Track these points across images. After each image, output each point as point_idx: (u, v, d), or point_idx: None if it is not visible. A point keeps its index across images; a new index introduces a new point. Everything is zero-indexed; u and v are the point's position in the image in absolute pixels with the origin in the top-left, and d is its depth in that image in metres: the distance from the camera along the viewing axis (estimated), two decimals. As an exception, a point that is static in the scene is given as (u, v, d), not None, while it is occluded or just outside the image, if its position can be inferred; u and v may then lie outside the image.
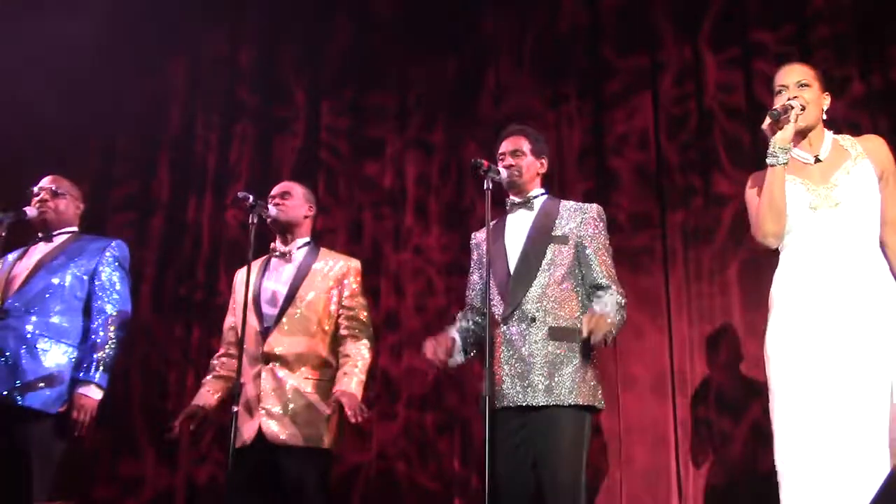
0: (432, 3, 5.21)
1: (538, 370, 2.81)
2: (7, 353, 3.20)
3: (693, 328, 4.24)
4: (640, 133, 4.59)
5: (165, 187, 5.53)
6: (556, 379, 2.79)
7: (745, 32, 4.47)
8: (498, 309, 2.93)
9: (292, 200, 3.42)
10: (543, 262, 2.92)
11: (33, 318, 3.26)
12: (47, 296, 3.30)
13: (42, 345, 3.24)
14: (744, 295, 4.15)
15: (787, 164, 2.62)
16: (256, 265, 3.40)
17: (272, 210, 3.35)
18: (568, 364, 2.82)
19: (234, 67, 5.63)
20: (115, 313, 3.35)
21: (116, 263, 3.44)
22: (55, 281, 3.34)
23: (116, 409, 4.60)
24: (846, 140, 2.73)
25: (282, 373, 3.20)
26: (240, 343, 3.16)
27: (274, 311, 3.28)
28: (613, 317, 2.75)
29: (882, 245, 2.65)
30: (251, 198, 3.18)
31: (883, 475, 2.23)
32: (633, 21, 4.75)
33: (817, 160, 2.70)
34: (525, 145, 3.08)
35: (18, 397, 3.14)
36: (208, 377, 3.40)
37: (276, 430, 3.12)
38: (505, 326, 2.90)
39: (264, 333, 3.25)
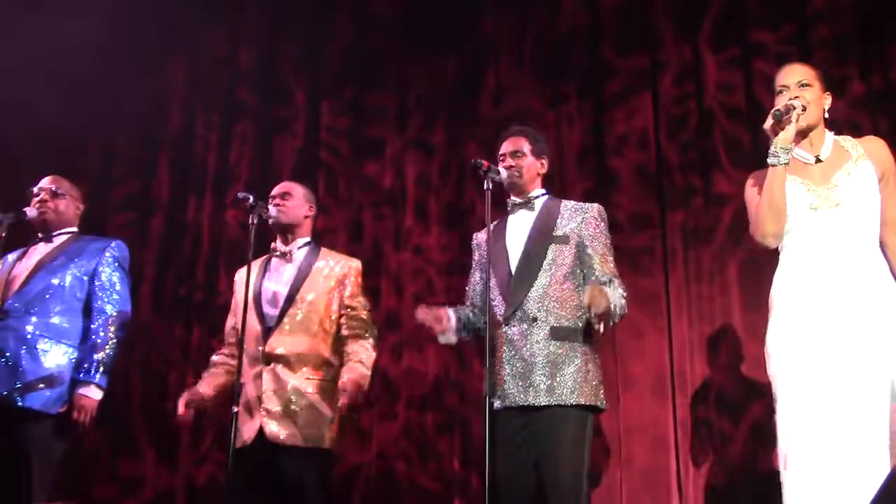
0: (432, 3, 5.21)
1: (540, 370, 2.80)
2: (7, 354, 3.20)
3: (693, 328, 4.24)
4: (640, 133, 4.60)
5: (165, 187, 5.54)
6: (557, 379, 2.79)
7: (745, 32, 4.47)
8: (499, 309, 2.93)
9: (292, 201, 3.42)
10: (545, 263, 2.92)
11: (33, 319, 3.26)
12: (47, 296, 3.30)
13: (42, 345, 3.24)
14: (744, 295, 4.15)
15: (788, 164, 2.62)
16: (256, 265, 3.39)
17: (272, 210, 3.34)
18: (570, 364, 2.82)
19: (234, 67, 5.63)
20: (115, 314, 3.34)
21: (116, 264, 3.44)
22: (55, 281, 3.33)
23: (116, 409, 4.60)
24: (847, 141, 2.73)
25: (283, 373, 3.20)
26: (239, 343, 3.16)
27: (275, 312, 3.28)
28: (615, 299, 2.74)
29: (882, 246, 2.65)
30: (251, 198, 3.18)
31: (883, 475, 2.23)
32: (633, 21, 4.75)
33: (818, 160, 2.70)
34: (525, 146, 3.07)
35: (18, 398, 3.14)
36: (207, 372, 3.39)
37: (277, 429, 3.12)
38: (506, 327, 2.89)
39: (265, 334, 3.25)
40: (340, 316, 3.34)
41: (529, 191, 3.08)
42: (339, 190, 5.19)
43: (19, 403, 3.13)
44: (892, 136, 3.16)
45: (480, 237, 3.16)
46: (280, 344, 3.23)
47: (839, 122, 3.14)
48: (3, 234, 3.26)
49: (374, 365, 3.32)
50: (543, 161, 3.12)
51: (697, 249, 4.33)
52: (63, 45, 5.15)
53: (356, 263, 3.46)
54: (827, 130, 2.75)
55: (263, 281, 3.36)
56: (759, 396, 3.91)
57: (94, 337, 3.28)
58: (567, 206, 3.05)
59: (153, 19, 5.49)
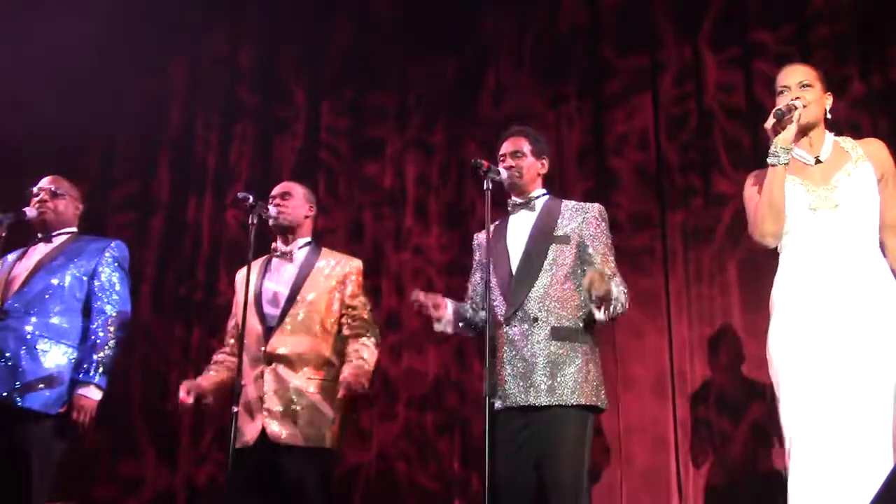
0: (432, 3, 5.21)
1: (540, 370, 2.81)
2: (7, 354, 3.19)
3: (693, 328, 4.24)
4: (640, 133, 4.60)
5: (165, 187, 5.54)
6: (558, 379, 2.79)
7: (745, 32, 4.47)
8: (500, 309, 2.93)
9: (293, 201, 3.42)
10: (545, 263, 2.92)
11: (33, 319, 3.26)
12: (47, 296, 3.30)
13: (42, 345, 3.23)
14: (744, 295, 4.15)
15: (788, 164, 2.62)
16: (257, 265, 3.39)
17: (272, 210, 3.34)
18: (570, 364, 2.82)
19: (234, 67, 5.63)
20: (114, 314, 3.34)
21: (116, 264, 3.44)
22: (55, 282, 3.33)
23: (116, 409, 4.60)
24: (847, 142, 2.73)
25: (285, 373, 3.19)
26: (239, 340, 3.16)
27: (276, 312, 3.28)
28: (616, 292, 2.73)
29: (881, 247, 2.65)
30: (251, 198, 3.18)
31: (885, 474, 2.23)
32: (633, 21, 4.75)
33: (818, 161, 2.70)
34: (525, 146, 3.07)
35: (18, 398, 3.14)
36: (208, 368, 3.39)
37: (278, 429, 3.12)
38: (507, 327, 2.90)
39: (266, 334, 3.25)
40: (342, 316, 3.34)
41: (530, 191, 3.08)
42: (340, 190, 5.19)
43: (19, 404, 3.13)
44: (892, 137, 3.16)
45: (482, 237, 3.16)
46: (281, 344, 3.23)
47: (839, 123, 3.14)
48: (3, 234, 3.25)
49: (376, 364, 3.32)
50: (544, 161, 3.12)
51: (697, 249, 4.33)
52: (63, 45, 5.15)
53: (357, 263, 3.46)
54: (827, 131, 2.75)
55: (264, 281, 3.36)
56: (759, 396, 3.92)
57: (93, 337, 3.27)
58: (568, 206, 3.05)
59: (153, 19, 5.49)
